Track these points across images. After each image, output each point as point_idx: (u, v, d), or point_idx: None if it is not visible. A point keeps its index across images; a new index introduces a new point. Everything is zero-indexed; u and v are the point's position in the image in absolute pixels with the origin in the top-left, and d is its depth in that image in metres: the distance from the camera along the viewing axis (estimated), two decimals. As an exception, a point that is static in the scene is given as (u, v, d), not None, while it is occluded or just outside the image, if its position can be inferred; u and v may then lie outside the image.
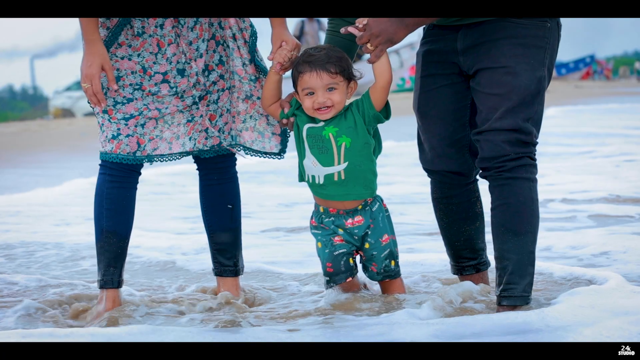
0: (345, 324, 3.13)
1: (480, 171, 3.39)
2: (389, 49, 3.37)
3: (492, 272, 3.61)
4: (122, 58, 3.44)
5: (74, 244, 5.32)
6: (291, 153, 3.54)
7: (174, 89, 3.47)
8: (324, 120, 3.38)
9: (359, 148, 3.37)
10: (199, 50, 3.47)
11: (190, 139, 3.56)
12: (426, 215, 5.48)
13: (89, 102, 3.46)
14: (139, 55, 3.43)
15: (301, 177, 3.51)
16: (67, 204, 7.42)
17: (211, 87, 3.53)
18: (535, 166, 3.33)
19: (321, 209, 3.49)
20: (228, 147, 3.61)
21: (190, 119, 3.53)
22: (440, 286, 3.75)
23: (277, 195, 7.65)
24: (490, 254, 3.52)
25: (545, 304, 3.27)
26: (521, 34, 3.27)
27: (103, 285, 3.55)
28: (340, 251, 3.48)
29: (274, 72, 3.45)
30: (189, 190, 7.92)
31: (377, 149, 3.47)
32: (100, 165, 3.53)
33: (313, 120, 3.40)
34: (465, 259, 3.66)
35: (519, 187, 3.29)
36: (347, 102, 3.41)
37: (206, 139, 3.58)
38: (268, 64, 3.49)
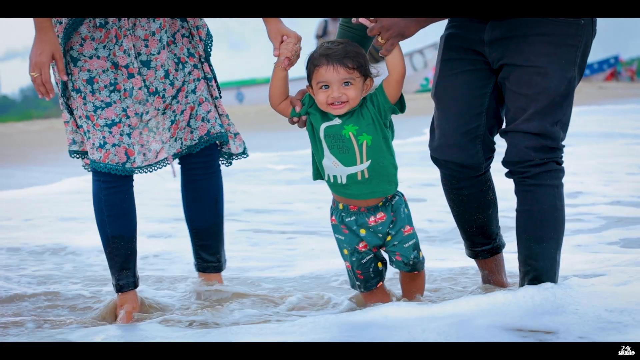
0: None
1: (506, 172, 3.35)
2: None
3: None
4: (91, 57, 3.36)
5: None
6: (254, 153, 3.49)
7: (145, 83, 3.39)
8: (339, 118, 3.31)
9: (380, 144, 3.31)
10: (162, 41, 3.40)
11: (175, 139, 3.51)
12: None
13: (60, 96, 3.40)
14: (104, 47, 3.36)
15: (316, 176, 3.44)
16: (37, 202, 7.43)
17: (186, 77, 3.48)
18: (561, 170, 3.31)
19: (340, 206, 3.41)
20: (217, 137, 3.55)
21: (173, 118, 3.48)
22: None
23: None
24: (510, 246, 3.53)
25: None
26: (553, 32, 3.21)
27: (120, 289, 3.55)
28: (368, 258, 3.43)
29: (281, 69, 3.35)
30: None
31: (391, 136, 3.40)
32: (92, 171, 3.49)
33: (328, 117, 3.34)
34: (479, 244, 3.63)
35: (543, 194, 3.27)
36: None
37: (192, 132, 3.52)
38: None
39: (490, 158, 3.47)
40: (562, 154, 3.32)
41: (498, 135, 3.46)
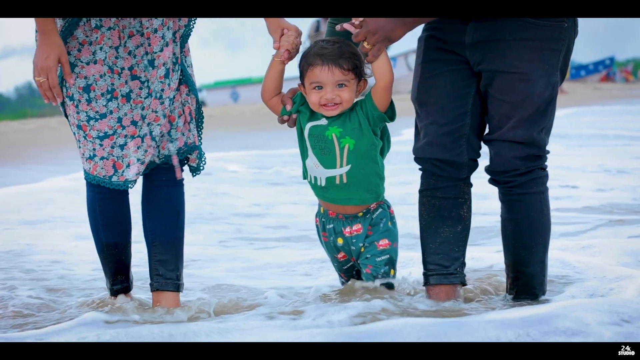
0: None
1: (490, 180, 3.30)
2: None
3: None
4: (88, 63, 3.25)
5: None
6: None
7: (146, 84, 3.29)
8: (327, 118, 3.25)
9: (364, 150, 3.25)
10: (165, 38, 3.29)
11: (154, 147, 3.36)
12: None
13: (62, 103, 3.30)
14: (101, 49, 3.25)
15: (305, 176, 3.39)
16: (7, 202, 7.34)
17: (176, 82, 3.35)
18: (546, 175, 3.27)
19: (322, 210, 3.39)
20: (192, 147, 3.43)
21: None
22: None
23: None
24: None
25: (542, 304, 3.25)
26: (537, 37, 3.15)
27: (114, 293, 3.53)
28: (348, 265, 3.42)
29: (280, 62, 3.28)
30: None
31: (386, 147, 3.35)
32: (85, 179, 3.39)
33: (316, 117, 3.28)
34: (436, 266, 3.35)
35: (530, 202, 3.24)
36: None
37: (171, 142, 3.40)
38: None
39: (474, 161, 3.35)
40: (547, 159, 3.27)
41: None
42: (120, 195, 3.42)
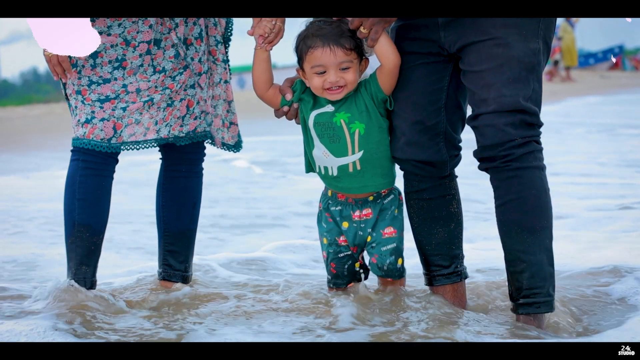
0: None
1: (480, 163, 3.07)
2: None
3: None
4: (101, 33, 3.17)
5: None
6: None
7: (153, 62, 3.24)
8: (333, 104, 3.14)
9: (374, 133, 3.14)
10: (174, 19, 3.24)
11: (166, 125, 3.31)
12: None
13: (62, 83, 3.25)
14: (119, 25, 3.19)
15: (309, 168, 3.28)
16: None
17: (190, 63, 3.30)
18: (542, 151, 3.07)
19: (329, 193, 3.27)
20: (202, 136, 3.39)
21: (170, 103, 3.29)
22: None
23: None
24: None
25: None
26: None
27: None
28: (346, 253, 3.27)
29: (260, 50, 3.16)
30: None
31: None
32: (72, 151, 3.28)
33: (320, 104, 3.17)
34: (436, 267, 3.28)
35: (531, 178, 3.01)
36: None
37: (182, 125, 3.33)
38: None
39: (455, 157, 3.26)
40: (541, 134, 3.08)
41: (467, 127, 3.20)
42: (105, 170, 3.28)
